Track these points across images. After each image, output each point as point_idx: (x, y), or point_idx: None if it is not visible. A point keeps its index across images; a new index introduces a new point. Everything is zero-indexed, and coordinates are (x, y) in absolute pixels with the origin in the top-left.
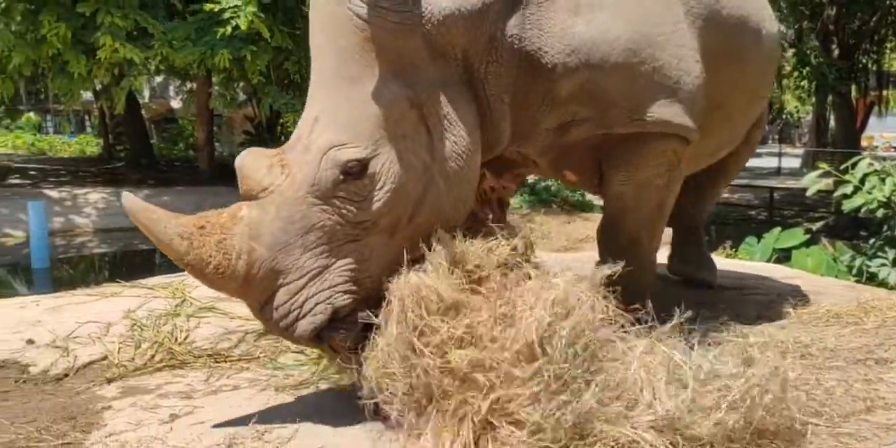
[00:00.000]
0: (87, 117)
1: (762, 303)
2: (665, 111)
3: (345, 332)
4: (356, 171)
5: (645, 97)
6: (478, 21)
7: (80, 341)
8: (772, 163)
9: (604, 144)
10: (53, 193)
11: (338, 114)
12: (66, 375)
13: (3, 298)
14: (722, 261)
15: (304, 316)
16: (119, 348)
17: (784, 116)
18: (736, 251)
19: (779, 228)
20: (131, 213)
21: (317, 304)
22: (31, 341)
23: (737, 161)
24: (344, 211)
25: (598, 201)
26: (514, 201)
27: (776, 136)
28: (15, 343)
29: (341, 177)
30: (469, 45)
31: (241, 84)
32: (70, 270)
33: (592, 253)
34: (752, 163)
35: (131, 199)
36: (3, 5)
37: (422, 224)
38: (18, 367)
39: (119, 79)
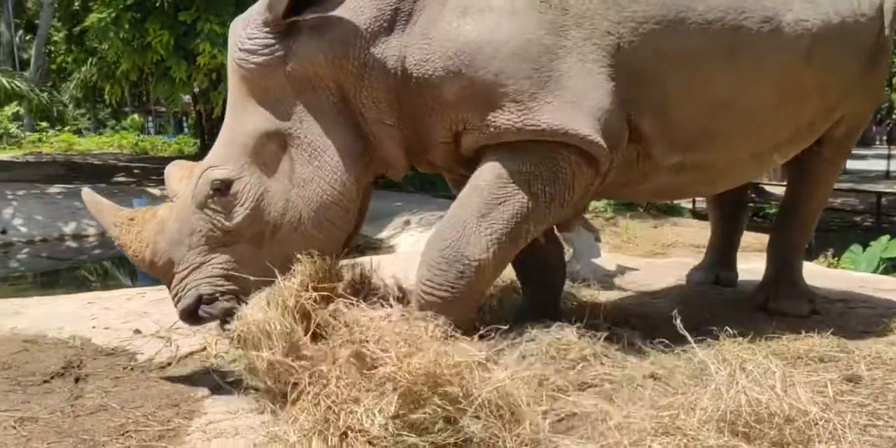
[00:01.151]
0: (185, 119)
1: (868, 317)
2: (564, 120)
3: (208, 314)
4: (222, 189)
5: (538, 106)
6: (342, 54)
7: (181, 332)
8: (879, 165)
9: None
10: (155, 191)
11: (221, 140)
12: (170, 364)
13: (111, 290)
14: (824, 271)
15: (181, 299)
16: (217, 340)
17: (894, 116)
18: (838, 260)
19: (887, 236)
20: (86, 204)
21: (189, 289)
22: (137, 331)
23: (817, 180)
24: (214, 220)
25: (687, 204)
26: (599, 205)
27: (885, 138)
28: (124, 333)
29: (211, 192)
30: (338, 75)
31: None
32: None
33: (681, 259)
34: (858, 165)
35: (87, 193)
36: (112, 15)
37: (285, 239)
38: (127, 355)
39: (217, 83)
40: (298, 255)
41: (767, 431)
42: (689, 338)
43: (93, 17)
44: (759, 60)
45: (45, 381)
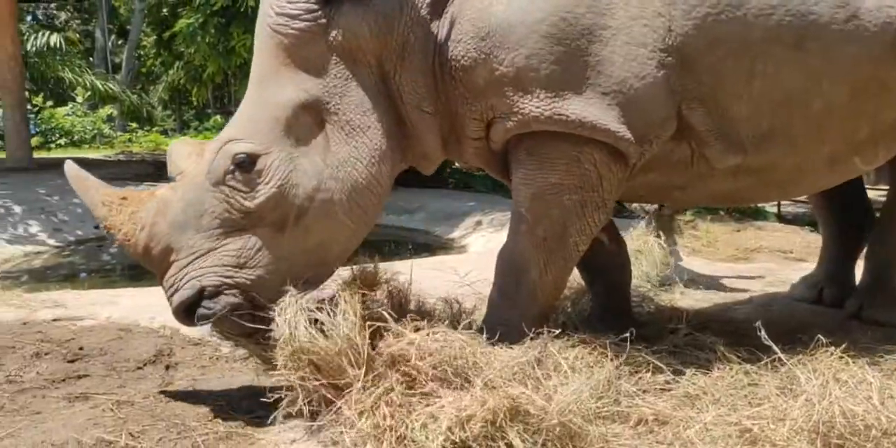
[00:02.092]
0: None
1: None
2: (593, 112)
3: (208, 310)
4: (245, 165)
5: (569, 92)
6: (387, 26)
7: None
8: None
9: (515, 141)
10: None
11: (244, 112)
12: (251, 355)
13: None
14: None
15: (177, 290)
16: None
17: None
18: None
19: None
20: (69, 178)
21: (188, 279)
22: None
23: None
24: (232, 200)
25: (771, 208)
26: None
27: None
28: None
29: (231, 167)
30: (380, 51)
31: None
32: None
33: (764, 264)
34: None
35: (70, 166)
36: (200, 20)
37: (311, 225)
38: (213, 346)
39: None
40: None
41: (863, 444)
42: (775, 347)
43: (181, 23)
44: (831, 52)
45: (139, 368)
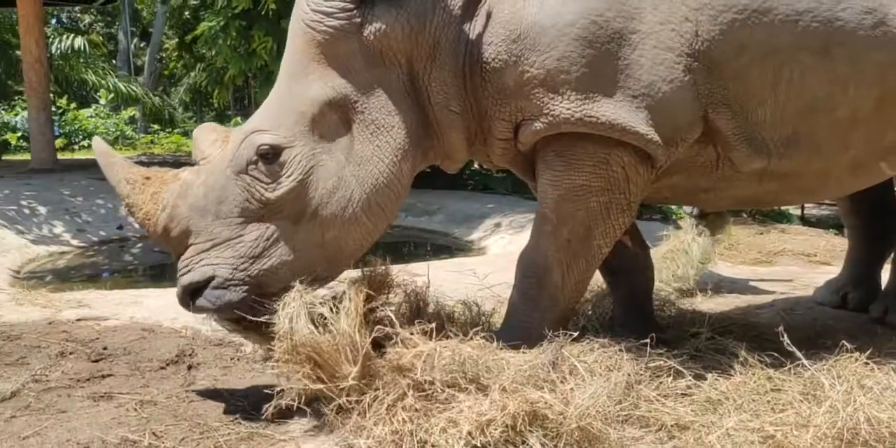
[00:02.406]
0: None
1: None
2: (622, 114)
3: (210, 301)
4: (269, 156)
5: (599, 94)
6: (418, 29)
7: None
8: None
9: (544, 142)
10: None
11: (272, 103)
12: (271, 357)
13: None
14: None
15: (188, 271)
16: None
17: None
18: None
19: None
20: (96, 154)
21: (206, 264)
22: None
23: None
24: (253, 189)
25: (794, 210)
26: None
27: None
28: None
29: (255, 157)
30: (411, 51)
31: None
32: None
33: (788, 268)
34: None
35: (98, 142)
36: (222, 23)
37: (328, 220)
38: (234, 346)
39: None
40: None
41: None
42: (798, 353)
43: (203, 26)
44: (857, 58)
45: (162, 368)
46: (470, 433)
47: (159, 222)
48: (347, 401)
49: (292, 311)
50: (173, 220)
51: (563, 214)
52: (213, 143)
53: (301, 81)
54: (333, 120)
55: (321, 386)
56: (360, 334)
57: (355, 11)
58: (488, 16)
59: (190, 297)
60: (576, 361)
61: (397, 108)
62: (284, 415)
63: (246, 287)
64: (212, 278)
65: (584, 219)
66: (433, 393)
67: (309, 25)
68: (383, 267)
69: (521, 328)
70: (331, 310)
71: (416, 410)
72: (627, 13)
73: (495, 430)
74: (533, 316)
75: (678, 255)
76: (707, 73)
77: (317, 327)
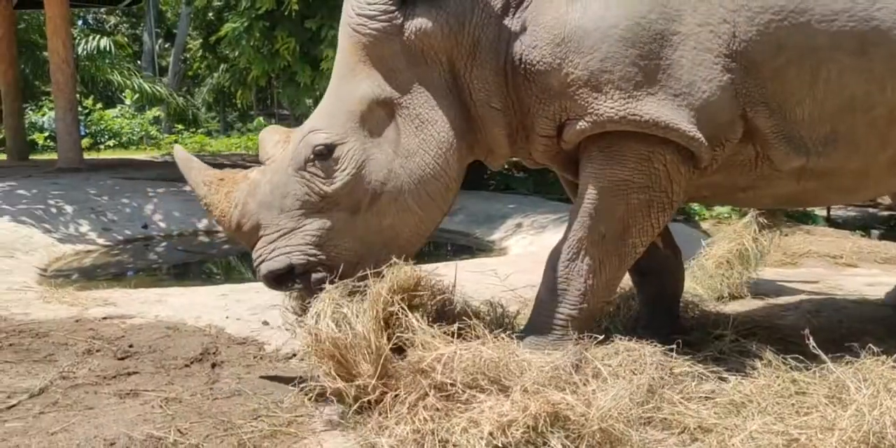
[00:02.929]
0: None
1: None
2: (665, 112)
3: (295, 285)
4: (324, 153)
5: (643, 93)
6: (458, 29)
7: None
8: None
9: (588, 139)
10: None
11: (325, 104)
12: (294, 355)
13: (241, 283)
14: None
15: (265, 261)
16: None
17: None
18: None
19: None
20: (177, 161)
21: (280, 254)
22: (265, 323)
23: None
24: (312, 184)
25: (820, 212)
26: (723, 210)
27: None
28: (254, 323)
29: (311, 156)
30: (452, 50)
31: None
32: None
33: (813, 269)
34: None
35: (178, 149)
36: (245, 24)
37: (382, 209)
38: (257, 345)
39: None
40: (392, 261)
41: None
42: (823, 355)
43: (227, 27)
44: (893, 58)
45: (186, 366)
46: (491, 433)
47: (233, 219)
48: (368, 400)
49: (320, 309)
50: (244, 215)
51: (602, 209)
52: (277, 144)
53: (350, 82)
54: (381, 116)
55: (340, 384)
56: (375, 334)
57: (396, 13)
58: (531, 19)
59: (274, 281)
60: (599, 364)
61: (440, 104)
62: (307, 411)
63: (321, 269)
64: (290, 266)
65: (622, 215)
66: (454, 394)
67: (354, 29)
68: (411, 268)
69: (546, 324)
70: (354, 310)
71: (438, 410)
72: (668, 15)
73: (517, 430)
74: (559, 312)
75: (734, 259)
76: (745, 73)
77: (339, 326)
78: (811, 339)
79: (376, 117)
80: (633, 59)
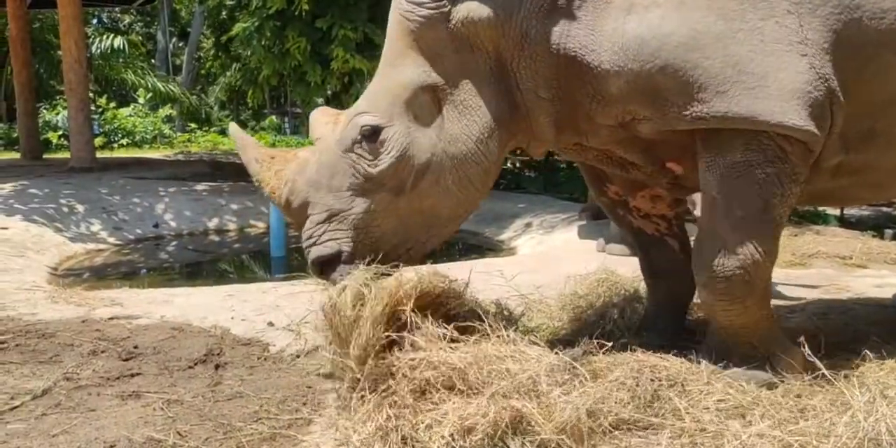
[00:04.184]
0: None
1: None
2: (746, 106)
3: (341, 274)
4: (370, 135)
5: (710, 94)
6: (505, 19)
7: (310, 326)
8: None
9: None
10: None
11: (373, 87)
12: (299, 356)
13: (248, 283)
14: None
15: (317, 245)
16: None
17: None
18: None
19: None
20: (233, 138)
21: (329, 239)
22: (270, 323)
23: None
24: (358, 165)
25: (833, 211)
26: None
27: None
28: (259, 324)
29: (359, 137)
30: (499, 40)
31: None
32: (302, 259)
33: (822, 270)
34: None
35: (234, 127)
36: (256, 24)
37: (424, 190)
38: (261, 346)
39: (348, 87)
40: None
41: None
42: (819, 363)
43: (238, 27)
44: None
45: (190, 367)
46: (452, 435)
47: (282, 195)
48: (354, 396)
49: (343, 285)
50: (293, 193)
51: (730, 192)
52: (326, 124)
53: (396, 67)
54: (426, 101)
55: (337, 358)
56: (373, 325)
57: (444, 1)
58: (588, 22)
59: (319, 267)
60: (583, 370)
61: (484, 91)
62: (307, 415)
63: (368, 257)
64: (339, 253)
65: (756, 192)
66: (427, 394)
67: (403, 15)
68: (439, 277)
69: (731, 324)
70: (374, 294)
71: (404, 407)
72: (727, 15)
73: (475, 436)
74: (734, 308)
75: None
76: (821, 58)
77: (353, 305)
78: (806, 346)
79: (421, 102)
80: (696, 63)
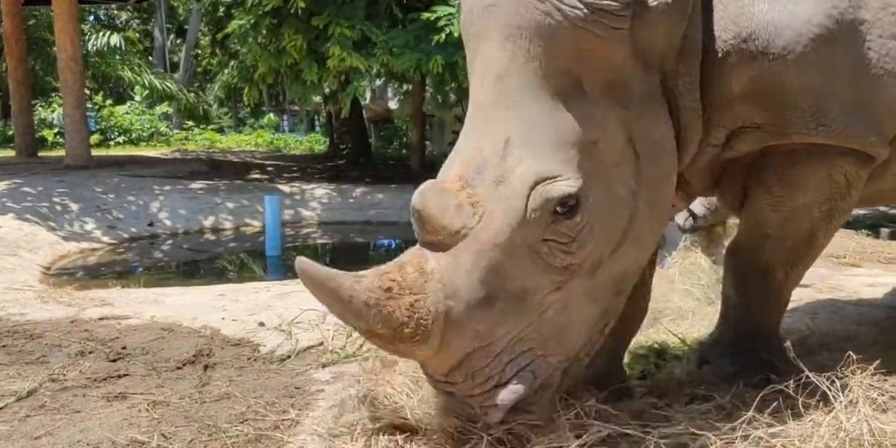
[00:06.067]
0: (316, 117)
1: None
2: (852, 119)
3: (538, 408)
4: (570, 209)
5: (833, 99)
6: (680, 20)
7: (301, 326)
8: None
9: (759, 160)
10: (286, 188)
11: (538, 136)
12: (289, 357)
13: (242, 283)
14: None
15: (504, 383)
16: (333, 336)
17: None
18: None
19: None
20: (308, 279)
21: (518, 369)
22: (262, 324)
23: None
24: (552, 256)
25: None
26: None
27: None
28: (250, 324)
29: (555, 215)
30: (667, 49)
31: (453, 87)
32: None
33: (815, 270)
34: None
35: (307, 265)
36: (252, 21)
37: (621, 257)
38: (251, 346)
39: (345, 85)
40: None
41: None
42: (801, 365)
43: (234, 24)
44: None
45: (178, 368)
46: None
47: (434, 338)
48: None
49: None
50: (453, 327)
51: (787, 231)
52: (459, 210)
53: (574, 100)
54: (622, 143)
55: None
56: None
57: (629, 6)
58: (721, 10)
59: (513, 409)
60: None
61: (663, 120)
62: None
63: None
64: (535, 381)
65: (808, 228)
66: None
67: (582, 26)
68: None
69: (746, 323)
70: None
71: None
72: (856, 1)
73: None
74: (756, 312)
75: (694, 268)
76: None
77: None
78: (792, 351)
79: (618, 145)
80: (826, 61)
